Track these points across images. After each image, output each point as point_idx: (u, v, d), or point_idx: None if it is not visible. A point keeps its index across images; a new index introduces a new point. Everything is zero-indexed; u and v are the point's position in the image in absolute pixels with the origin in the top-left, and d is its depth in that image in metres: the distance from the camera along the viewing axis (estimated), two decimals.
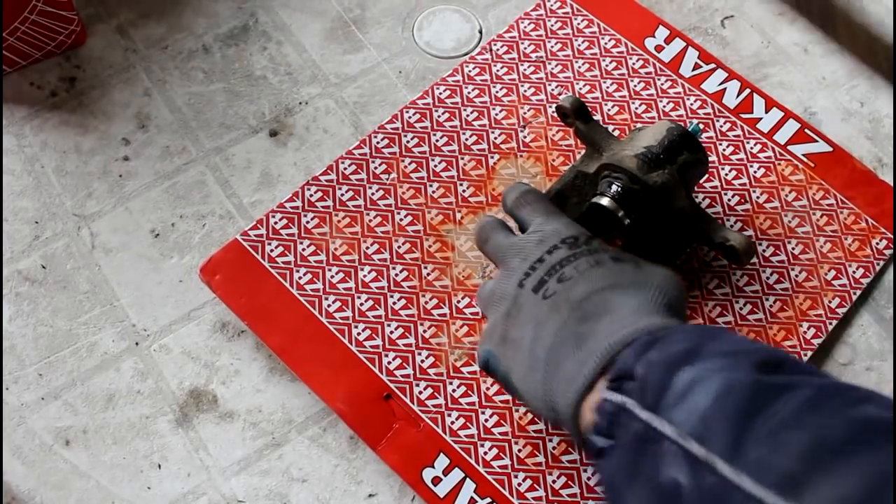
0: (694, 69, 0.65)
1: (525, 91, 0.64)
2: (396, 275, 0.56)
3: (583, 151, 0.59)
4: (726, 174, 0.61)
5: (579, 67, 0.65)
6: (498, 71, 0.64)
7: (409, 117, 0.62)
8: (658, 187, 0.51)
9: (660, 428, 0.34)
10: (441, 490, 0.50)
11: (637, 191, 0.51)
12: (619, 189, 0.52)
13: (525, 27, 0.67)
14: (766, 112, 0.64)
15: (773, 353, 0.35)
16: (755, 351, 0.35)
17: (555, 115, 0.63)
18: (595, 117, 0.58)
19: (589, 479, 0.51)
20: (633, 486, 0.35)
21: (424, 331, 0.55)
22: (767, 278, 0.57)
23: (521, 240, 0.47)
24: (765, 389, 0.32)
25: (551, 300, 0.42)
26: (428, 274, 0.56)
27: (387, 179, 0.60)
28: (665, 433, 0.33)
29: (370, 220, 0.58)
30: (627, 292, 0.41)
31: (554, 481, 0.51)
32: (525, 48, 0.66)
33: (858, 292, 0.57)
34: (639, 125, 0.61)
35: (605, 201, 0.52)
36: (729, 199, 0.60)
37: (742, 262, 0.53)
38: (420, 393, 0.53)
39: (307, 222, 0.58)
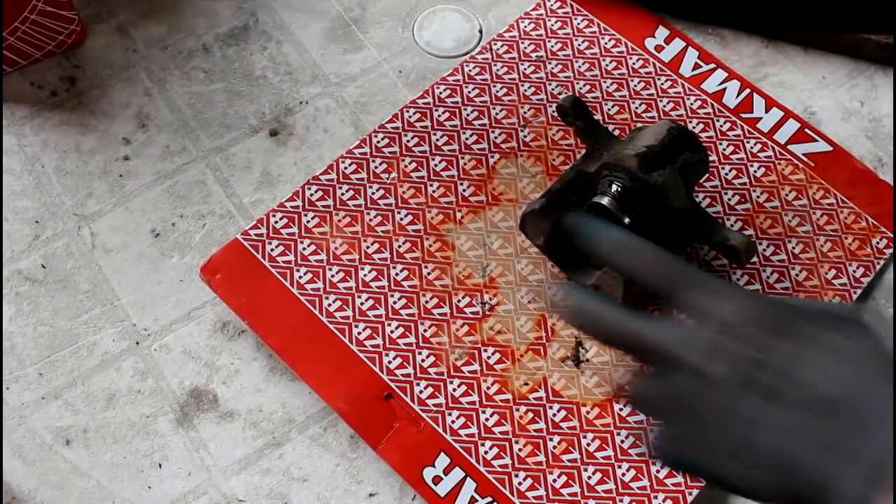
0: (694, 69, 0.66)
1: (525, 90, 0.64)
2: (397, 274, 0.56)
3: (583, 151, 0.59)
4: (726, 173, 0.61)
5: (579, 67, 0.65)
6: (498, 70, 0.65)
7: (410, 116, 0.62)
8: (658, 187, 0.51)
9: None
10: (442, 489, 0.50)
11: (637, 190, 0.52)
12: (620, 188, 0.52)
13: (525, 27, 0.67)
14: (766, 112, 0.64)
15: None
16: None
17: (555, 114, 0.63)
18: (595, 117, 0.59)
19: (589, 478, 0.51)
20: None
21: (425, 330, 0.55)
22: (768, 277, 0.57)
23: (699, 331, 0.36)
24: None
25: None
26: (428, 273, 0.56)
27: (387, 179, 0.60)
28: None
29: (370, 220, 0.58)
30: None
31: (554, 480, 0.51)
32: (525, 48, 0.66)
33: (858, 291, 0.57)
34: (639, 125, 0.61)
35: (605, 201, 0.52)
36: (729, 199, 0.60)
37: (742, 261, 0.53)
38: (420, 392, 0.53)
39: (307, 222, 0.58)
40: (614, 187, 0.52)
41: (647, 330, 0.37)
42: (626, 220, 0.51)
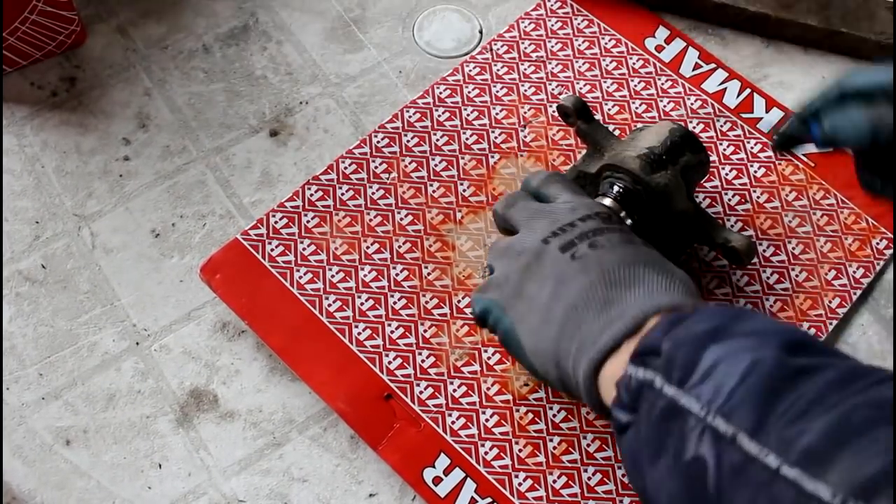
0: (694, 69, 0.66)
1: (525, 90, 0.64)
2: (397, 274, 0.56)
3: (583, 151, 0.59)
4: (727, 174, 0.61)
5: (579, 67, 0.65)
6: (498, 70, 0.64)
7: (410, 116, 0.62)
8: (661, 189, 0.51)
9: (686, 405, 0.34)
10: (442, 490, 0.50)
11: (639, 192, 0.51)
12: (621, 189, 0.52)
13: (525, 27, 0.67)
14: (767, 112, 0.64)
15: (799, 335, 0.36)
16: (782, 332, 0.36)
17: (555, 114, 0.63)
18: (595, 117, 0.58)
19: (589, 479, 0.51)
20: (656, 462, 0.35)
21: (425, 330, 0.55)
22: (768, 278, 0.57)
23: (551, 206, 0.47)
24: (790, 370, 0.33)
25: (580, 262, 0.42)
26: (428, 273, 0.56)
27: (387, 179, 0.60)
28: (691, 410, 0.34)
29: (370, 220, 0.58)
30: (656, 271, 0.42)
31: (554, 481, 0.51)
32: (525, 48, 0.66)
33: (858, 292, 0.57)
34: (639, 125, 0.61)
35: (607, 201, 0.52)
36: (729, 199, 0.60)
37: (743, 262, 0.53)
38: (421, 393, 0.53)
39: (307, 222, 0.58)
40: (616, 188, 0.52)
41: (526, 203, 0.48)
42: (629, 222, 0.51)
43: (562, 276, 0.43)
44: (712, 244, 0.54)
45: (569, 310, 0.41)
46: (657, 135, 0.53)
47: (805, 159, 0.62)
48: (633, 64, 0.65)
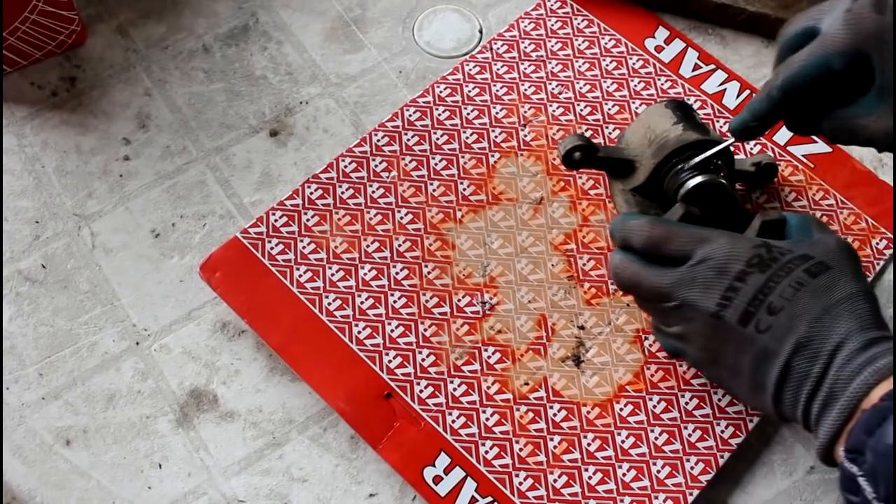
0: (694, 70, 0.66)
1: (525, 90, 0.64)
2: (397, 273, 0.56)
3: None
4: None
5: (579, 67, 0.65)
6: (498, 69, 0.65)
7: (410, 115, 0.62)
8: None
9: None
10: (442, 489, 0.50)
11: (723, 151, 0.53)
12: (716, 161, 0.53)
13: (525, 26, 0.67)
14: None
15: None
16: None
17: (555, 113, 0.63)
18: (595, 117, 0.59)
19: (590, 478, 0.51)
20: None
21: (425, 329, 0.55)
22: None
23: (689, 272, 0.45)
24: None
25: (769, 334, 0.43)
26: (428, 272, 0.56)
27: (387, 177, 0.60)
28: None
29: (370, 219, 0.58)
30: (842, 316, 0.42)
31: (555, 480, 0.51)
32: (525, 47, 0.66)
33: None
34: (621, 132, 0.60)
35: (720, 180, 0.52)
36: None
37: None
38: (421, 392, 0.53)
39: (307, 220, 0.58)
40: (705, 165, 0.52)
41: (649, 278, 0.46)
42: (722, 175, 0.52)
43: (757, 354, 0.43)
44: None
45: (777, 387, 0.43)
46: (648, 123, 0.53)
47: (805, 160, 0.62)
48: (633, 64, 0.65)
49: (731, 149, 0.53)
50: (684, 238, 0.46)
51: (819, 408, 0.41)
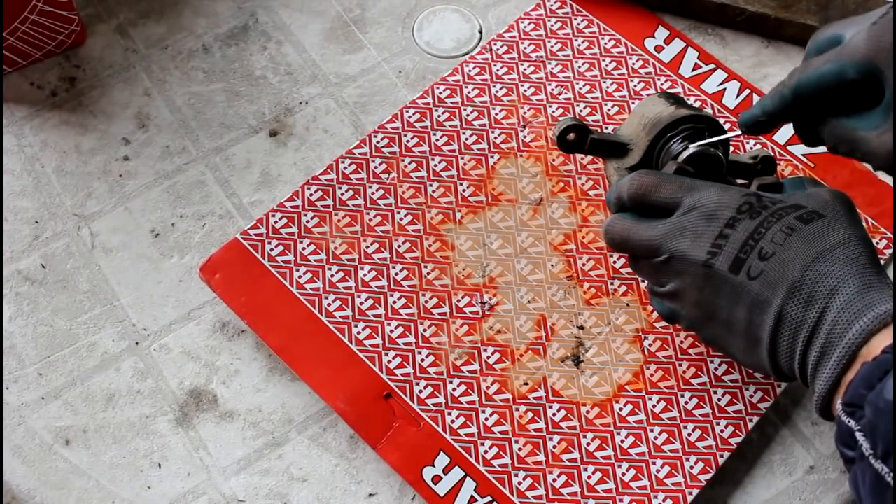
0: (694, 69, 0.66)
1: (525, 91, 0.64)
2: (396, 274, 0.56)
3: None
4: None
5: (579, 67, 0.65)
6: (498, 70, 0.65)
7: (409, 117, 0.62)
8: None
9: (891, 482, 0.35)
10: (441, 489, 0.50)
11: (712, 122, 0.53)
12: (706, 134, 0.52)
13: (525, 27, 0.67)
14: None
15: None
16: None
17: (555, 114, 0.63)
18: (595, 117, 0.59)
19: (589, 477, 0.51)
20: None
21: (424, 330, 0.55)
22: None
23: (677, 222, 0.45)
24: None
25: (760, 280, 0.42)
26: (428, 273, 0.56)
27: (387, 179, 0.60)
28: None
29: (370, 220, 0.58)
30: (837, 260, 0.41)
31: (554, 480, 0.51)
32: (525, 48, 0.66)
33: None
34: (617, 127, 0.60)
35: (691, 149, 0.52)
36: None
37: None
38: (420, 392, 0.53)
39: (307, 221, 0.58)
40: (704, 135, 0.52)
41: (639, 231, 0.46)
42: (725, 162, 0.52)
43: (751, 301, 0.42)
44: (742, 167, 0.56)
45: (773, 335, 0.42)
46: (634, 116, 0.53)
47: (805, 159, 0.62)
48: (633, 64, 0.65)
49: (730, 142, 0.53)
50: (674, 185, 0.46)
51: (816, 356, 0.40)
